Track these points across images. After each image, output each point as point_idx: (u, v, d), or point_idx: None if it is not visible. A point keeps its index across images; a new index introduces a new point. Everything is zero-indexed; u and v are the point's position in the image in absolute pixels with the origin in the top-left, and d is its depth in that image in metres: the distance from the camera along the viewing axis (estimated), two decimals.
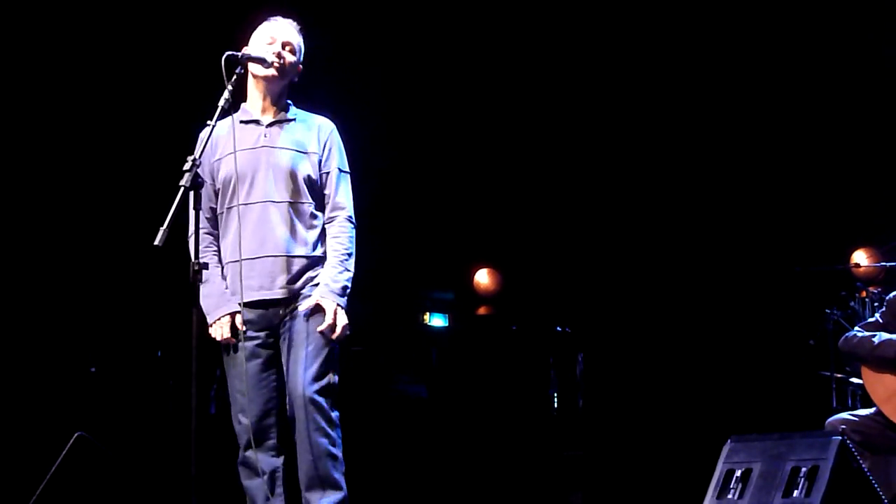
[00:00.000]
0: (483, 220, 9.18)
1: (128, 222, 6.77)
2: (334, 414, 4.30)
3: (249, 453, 4.35)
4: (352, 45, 7.96)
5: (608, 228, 9.12)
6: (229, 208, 4.39)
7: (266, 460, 4.36)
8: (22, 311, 7.18)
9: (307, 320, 4.31)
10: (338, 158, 4.49)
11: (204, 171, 4.20)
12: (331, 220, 4.45)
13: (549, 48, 8.55)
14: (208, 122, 4.06)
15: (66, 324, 7.37)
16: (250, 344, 4.33)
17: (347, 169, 4.53)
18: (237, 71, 4.17)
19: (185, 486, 3.82)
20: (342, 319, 4.31)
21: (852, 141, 8.53)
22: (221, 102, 4.09)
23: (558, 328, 8.61)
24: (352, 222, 4.46)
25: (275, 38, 4.45)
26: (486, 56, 8.51)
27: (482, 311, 9.69)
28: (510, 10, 8.28)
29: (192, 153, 3.92)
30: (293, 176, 4.37)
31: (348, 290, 4.36)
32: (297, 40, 4.52)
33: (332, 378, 4.30)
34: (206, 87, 4.37)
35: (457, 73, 8.55)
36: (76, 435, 4.65)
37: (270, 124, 4.46)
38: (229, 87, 4.12)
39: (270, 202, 4.34)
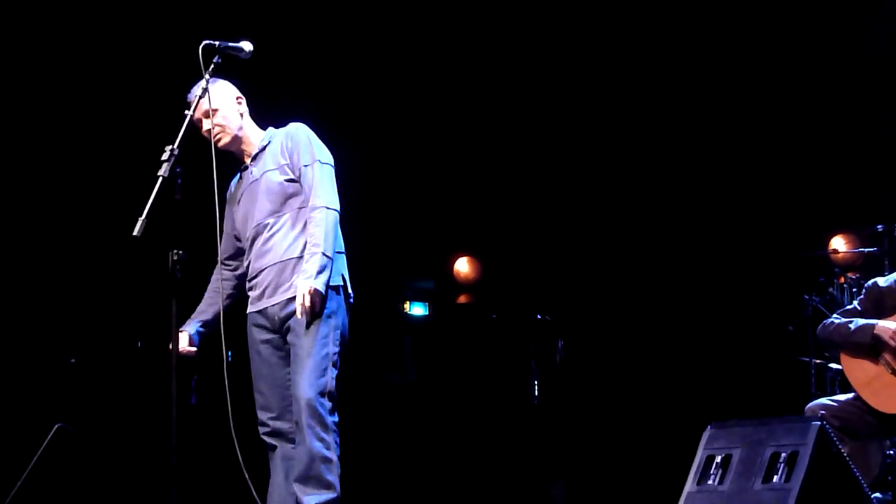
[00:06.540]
0: (463, 209, 9.17)
1: (107, 212, 6.75)
2: (331, 419, 4.41)
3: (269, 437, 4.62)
4: (333, 37, 7.94)
5: (588, 216, 9.12)
6: (246, 239, 4.67)
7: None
8: (0, 302, 7.15)
9: (304, 329, 4.44)
10: (303, 155, 4.56)
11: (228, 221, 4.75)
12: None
13: (530, 40, 8.55)
14: (186, 111, 4.07)
15: (45, 314, 7.34)
16: (265, 347, 4.60)
17: (315, 158, 4.55)
18: (214, 60, 4.19)
19: (166, 477, 3.82)
20: (307, 298, 4.34)
21: (830, 127, 8.55)
22: (198, 91, 4.11)
23: (538, 316, 8.61)
24: (324, 207, 4.46)
25: (199, 120, 4.47)
26: (465, 46, 8.49)
27: (462, 299, 9.69)
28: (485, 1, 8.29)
29: (170, 143, 3.93)
30: (277, 191, 4.56)
31: (323, 265, 4.38)
32: (214, 98, 4.41)
33: (329, 384, 4.42)
34: (184, 78, 4.36)
35: (436, 63, 8.53)
36: (56, 427, 4.65)
37: (252, 160, 4.66)
38: (207, 77, 4.15)
39: (262, 222, 4.58)
